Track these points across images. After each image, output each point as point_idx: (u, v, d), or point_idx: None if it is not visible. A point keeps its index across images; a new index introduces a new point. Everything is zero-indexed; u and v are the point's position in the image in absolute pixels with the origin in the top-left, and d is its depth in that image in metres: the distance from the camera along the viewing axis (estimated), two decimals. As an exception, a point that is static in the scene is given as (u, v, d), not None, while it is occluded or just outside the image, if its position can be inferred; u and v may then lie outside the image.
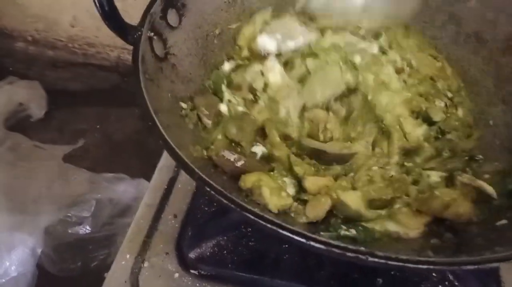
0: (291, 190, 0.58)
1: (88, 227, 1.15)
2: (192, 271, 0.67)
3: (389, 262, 0.41)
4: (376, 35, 0.75)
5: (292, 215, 0.56)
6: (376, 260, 0.41)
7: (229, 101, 0.65)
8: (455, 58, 0.73)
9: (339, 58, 0.69)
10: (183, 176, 0.78)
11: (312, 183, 0.58)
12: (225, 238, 0.67)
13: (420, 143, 0.62)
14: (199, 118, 0.64)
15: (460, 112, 0.67)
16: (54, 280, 1.13)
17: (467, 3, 0.73)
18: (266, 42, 0.72)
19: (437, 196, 0.55)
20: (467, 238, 0.53)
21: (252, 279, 0.66)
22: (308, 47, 0.71)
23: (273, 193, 0.55)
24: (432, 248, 0.51)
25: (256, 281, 0.66)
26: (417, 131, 0.63)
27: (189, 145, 0.58)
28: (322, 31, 0.75)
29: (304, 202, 0.57)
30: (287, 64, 0.70)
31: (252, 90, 0.67)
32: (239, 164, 0.58)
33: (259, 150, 0.61)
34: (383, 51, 0.73)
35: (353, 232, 0.54)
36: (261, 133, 0.64)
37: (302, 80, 0.68)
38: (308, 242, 0.42)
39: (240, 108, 0.65)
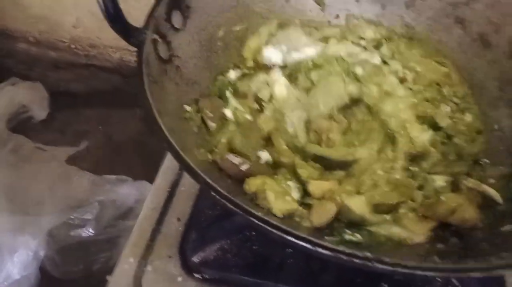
0: (296, 194, 0.58)
1: (91, 230, 1.14)
2: (195, 275, 0.67)
3: (398, 269, 0.41)
4: (378, 45, 0.75)
5: (297, 219, 0.56)
6: (384, 267, 0.41)
7: (236, 109, 0.65)
8: (460, 62, 0.73)
9: (342, 70, 0.69)
10: (186, 178, 0.77)
11: (316, 187, 0.58)
12: (228, 241, 0.67)
13: (427, 148, 0.61)
14: (203, 121, 0.64)
15: (468, 117, 0.67)
16: (57, 283, 1.13)
17: (473, 6, 0.72)
18: (272, 54, 0.72)
19: (443, 201, 0.55)
20: (472, 243, 0.53)
21: (256, 284, 0.65)
22: (311, 60, 0.71)
23: (278, 197, 0.55)
24: (438, 253, 0.51)
25: (260, 285, 0.65)
26: (423, 136, 0.62)
27: (193, 148, 0.58)
28: (326, 39, 0.75)
29: (309, 206, 0.57)
30: (291, 76, 0.70)
31: (258, 99, 0.67)
32: (243, 167, 0.58)
33: (264, 155, 0.61)
34: (384, 62, 0.72)
35: (357, 236, 0.54)
36: (267, 142, 0.63)
37: (306, 92, 0.68)
38: (314, 248, 0.42)
39: (247, 116, 0.65)
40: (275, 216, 0.54)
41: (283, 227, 0.44)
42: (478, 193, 0.57)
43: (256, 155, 0.61)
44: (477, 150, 0.63)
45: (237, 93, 0.68)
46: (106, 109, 1.56)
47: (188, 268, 0.67)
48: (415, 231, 0.54)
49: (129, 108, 1.50)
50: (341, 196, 0.56)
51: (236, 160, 0.58)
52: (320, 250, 0.42)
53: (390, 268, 0.41)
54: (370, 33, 0.76)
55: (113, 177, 1.24)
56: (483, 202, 0.56)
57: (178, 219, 0.73)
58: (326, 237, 0.52)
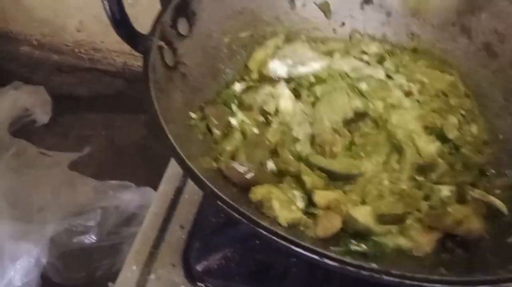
0: (300, 203, 0.58)
1: (93, 236, 1.14)
2: (199, 283, 0.66)
3: (405, 281, 0.41)
4: (381, 60, 0.75)
5: (301, 228, 0.55)
6: (391, 278, 0.41)
7: (242, 121, 0.65)
8: (465, 72, 0.73)
9: (346, 86, 0.69)
10: (190, 185, 0.77)
11: (321, 196, 0.57)
12: (232, 250, 0.67)
13: (434, 159, 0.61)
14: (209, 129, 0.64)
15: (474, 129, 0.67)
16: (59, 289, 1.13)
17: (478, 15, 0.72)
18: (277, 68, 0.72)
19: (449, 212, 0.54)
20: (478, 254, 0.53)
21: (259, 292, 0.65)
22: (316, 74, 0.71)
23: (283, 206, 0.55)
24: (444, 264, 0.50)
25: (263, 294, 0.65)
26: (430, 147, 0.62)
27: (198, 155, 0.58)
28: (330, 53, 0.75)
29: (313, 215, 0.56)
30: (296, 90, 0.70)
31: (263, 112, 0.67)
32: (248, 175, 0.58)
33: (269, 165, 0.60)
34: (389, 76, 0.72)
35: (363, 246, 0.53)
36: (272, 154, 0.63)
37: (311, 105, 0.68)
38: (322, 259, 0.42)
39: (254, 129, 0.64)
40: (280, 225, 0.53)
41: (291, 237, 0.44)
42: (484, 204, 0.57)
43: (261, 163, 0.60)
44: (484, 161, 0.63)
45: (242, 106, 0.68)
46: (109, 114, 1.55)
47: (191, 276, 0.67)
48: (420, 242, 0.54)
49: (133, 113, 1.50)
50: (347, 205, 0.56)
51: (241, 168, 0.58)
52: (327, 261, 0.42)
53: (397, 279, 0.41)
54: (373, 48, 0.76)
55: (116, 183, 1.23)
56: (489, 212, 0.56)
57: (182, 227, 0.72)
58: (331, 247, 0.52)
